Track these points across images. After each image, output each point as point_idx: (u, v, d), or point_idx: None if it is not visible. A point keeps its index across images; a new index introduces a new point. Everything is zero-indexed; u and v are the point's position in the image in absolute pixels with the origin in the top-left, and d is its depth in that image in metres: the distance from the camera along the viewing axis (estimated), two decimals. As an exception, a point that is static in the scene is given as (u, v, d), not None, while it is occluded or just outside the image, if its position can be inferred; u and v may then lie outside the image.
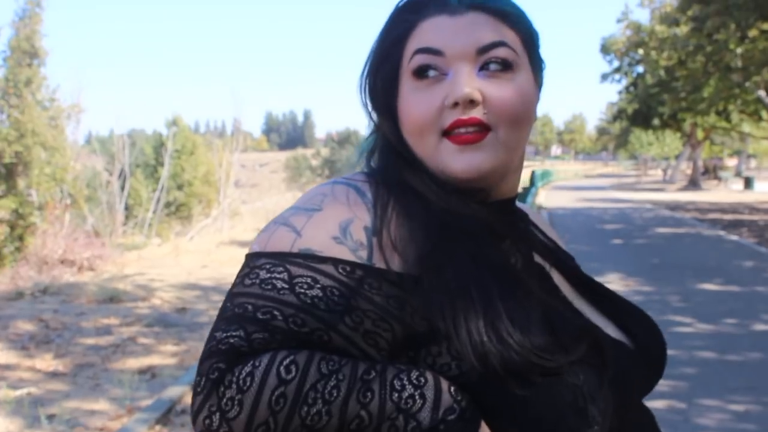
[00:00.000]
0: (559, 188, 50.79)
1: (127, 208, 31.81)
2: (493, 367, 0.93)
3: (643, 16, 65.58)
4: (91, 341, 7.64)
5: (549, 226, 1.38)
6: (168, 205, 36.79)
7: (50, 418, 5.39)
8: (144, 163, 42.32)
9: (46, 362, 6.88)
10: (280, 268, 0.96)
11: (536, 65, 1.14)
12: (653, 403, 4.77)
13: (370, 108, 1.17)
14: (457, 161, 1.05)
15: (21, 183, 19.80)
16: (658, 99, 42.52)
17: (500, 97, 1.05)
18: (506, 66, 1.06)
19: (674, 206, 30.20)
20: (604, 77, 52.28)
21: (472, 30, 1.06)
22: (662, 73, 38.43)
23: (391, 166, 1.12)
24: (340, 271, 0.96)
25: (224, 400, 0.88)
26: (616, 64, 51.20)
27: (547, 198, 35.46)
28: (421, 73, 1.06)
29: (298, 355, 0.90)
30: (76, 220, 23.54)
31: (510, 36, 1.08)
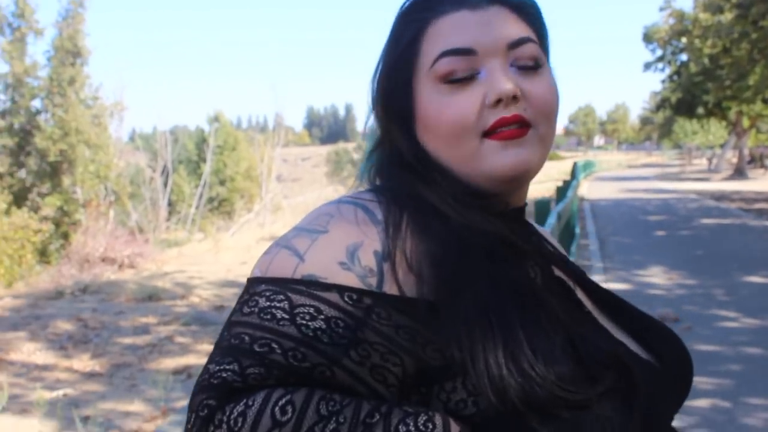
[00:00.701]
0: (602, 179, 50.28)
1: (170, 204, 32.21)
2: (513, 403, 0.85)
3: (686, 4, 64.73)
4: (128, 341, 7.67)
5: (554, 238, 1.29)
6: (210, 200, 37.17)
7: (84, 420, 5.39)
8: (186, 159, 42.76)
9: (83, 362, 6.92)
10: (281, 296, 0.88)
11: (549, 60, 1.10)
12: (697, 402, 4.60)
13: (381, 116, 1.09)
14: (503, 158, 0.99)
15: (66, 181, 20.11)
16: (702, 87, 42.04)
17: (537, 92, 1.01)
18: (535, 61, 1.03)
19: (719, 196, 29.66)
20: (647, 66, 51.81)
21: (500, 25, 1.01)
22: (706, 61, 37.96)
23: (405, 180, 1.04)
24: (346, 299, 0.88)
25: None
26: (659, 52, 50.74)
27: (589, 189, 35.12)
28: (450, 75, 0.99)
29: (296, 394, 0.82)
30: (121, 216, 23.84)
31: (530, 31, 1.05)
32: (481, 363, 0.86)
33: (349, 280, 0.89)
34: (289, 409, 0.81)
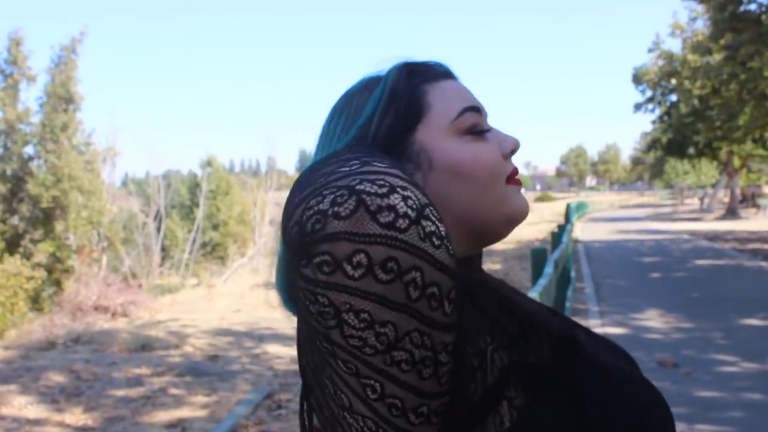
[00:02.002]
0: (595, 220, 50.31)
1: (163, 249, 32.11)
2: None
3: (674, 46, 65.24)
4: (121, 393, 7.56)
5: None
6: (204, 245, 37.06)
7: (77, 477, 5.28)
8: (180, 204, 42.73)
9: (76, 416, 6.80)
10: None
11: None
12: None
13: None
14: (521, 201, 1.08)
15: (58, 227, 20.02)
16: (693, 128, 42.24)
17: None
18: None
19: (713, 236, 29.66)
20: (637, 107, 52.04)
21: None
22: (696, 101, 38.23)
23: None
24: None
25: None
26: (648, 93, 50.98)
27: (582, 231, 35.11)
28: (475, 127, 1.06)
29: None
30: (114, 262, 23.73)
31: None
32: None
33: None
34: None
